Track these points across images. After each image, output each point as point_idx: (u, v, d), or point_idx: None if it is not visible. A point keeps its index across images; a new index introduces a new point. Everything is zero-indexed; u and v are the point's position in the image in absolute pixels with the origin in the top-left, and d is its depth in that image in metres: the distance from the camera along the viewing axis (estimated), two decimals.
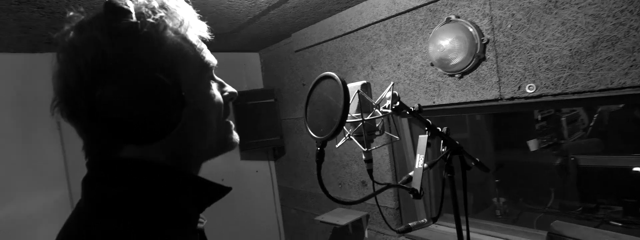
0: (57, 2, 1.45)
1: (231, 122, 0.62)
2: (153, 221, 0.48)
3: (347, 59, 2.27)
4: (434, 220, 0.95)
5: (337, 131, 0.71)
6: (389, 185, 0.94)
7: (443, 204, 0.92)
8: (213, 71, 0.59)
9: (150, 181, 0.50)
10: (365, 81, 0.89)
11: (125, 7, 0.49)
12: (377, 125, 0.89)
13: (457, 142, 1.04)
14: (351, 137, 0.88)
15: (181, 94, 0.50)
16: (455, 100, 1.73)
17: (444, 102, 1.78)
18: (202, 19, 0.58)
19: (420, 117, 0.95)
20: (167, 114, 0.49)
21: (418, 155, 0.97)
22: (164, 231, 0.48)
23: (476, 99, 1.65)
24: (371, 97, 0.89)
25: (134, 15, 0.49)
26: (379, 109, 0.88)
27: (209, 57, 0.58)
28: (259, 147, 2.90)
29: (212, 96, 0.57)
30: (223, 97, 0.60)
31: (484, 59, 1.56)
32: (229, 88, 0.62)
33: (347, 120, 0.86)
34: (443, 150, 1.03)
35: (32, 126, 2.22)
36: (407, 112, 0.93)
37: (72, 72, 0.48)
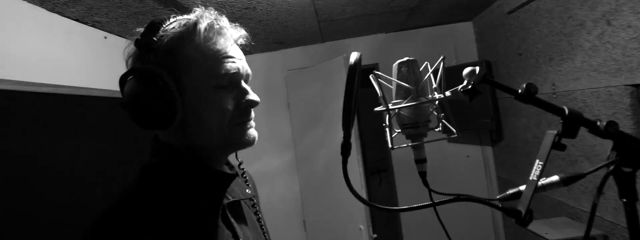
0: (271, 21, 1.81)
1: (247, 125, 0.65)
2: (163, 185, 0.61)
3: (571, 15, 1.61)
4: None
5: (346, 123, 0.56)
6: (458, 198, 0.63)
7: None
8: (237, 78, 0.63)
9: (167, 160, 0.63)
10: (409, 58, 0.62)
11: (157, 25, 0.61)
12: (436, 113, 0.61)
13: None
14: (389, 129, 0.65)
15: (172, 96, 0.57)
16: None
17: None
18: None
19: (540, 103, 0.59)
20: (158, 111, 0.57)
21: (536, 162, 0.61)
22: (170, 193, 0.61)
23: None
24: (418, 78, 0.61)
25: (160, 32, 0.60)
26: (425, 95, 0.60)
27: (223, 70, 0.61)
28: (467, 129, 2.57)
29: (215, 102, 0.60)
30: (240, 103, 0.63)
31: None
32: (250, 96, 0.64)
33: (381, 109, 0.65)
34: (611, 157, 0.60)
35: (272, 106, 2.92)
36: (516, 98, 0.60)
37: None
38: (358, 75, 0.57)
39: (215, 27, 0.63)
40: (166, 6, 1.59)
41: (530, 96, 0.58)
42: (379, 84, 0.61)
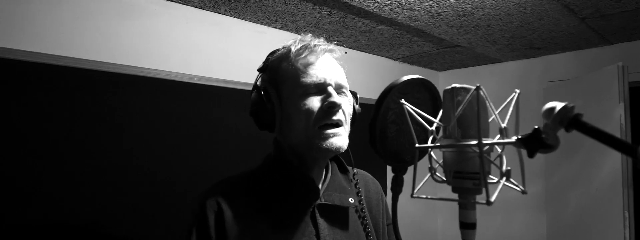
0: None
1: (328, 132, 0.69)
2: (268, 172, 0.76)
3: None
4: None
5: (376, 152, 0.50)
6: None
7: None
8: (323, 85, 0.70)
9: (273, 154, 0.78)
10: (456, 85, 0.39)
11: (271, 53, 0.78)
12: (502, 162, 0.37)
13: None
14: (415, 170, 0.45)
15: (271, 103, 0.71)
16: None
17: None
18: None
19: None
20: (262, 114, 0.73)
21: None
22: (270, 179, 0.74)
23: None
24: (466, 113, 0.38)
25: (273, 56, 0.77)
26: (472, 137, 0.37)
27: (309, 79, 0.70)
28: None
29: (301, 106, 0.69)
30: (323, 105, 0.69)
31: None
32: (331, 98, 0.69)
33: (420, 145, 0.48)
34: None
35: (522, 123, 2.45)
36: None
37: None
38: (388, 99, 0.50)
39: (308, 45, 0.72)
40: (383, 24, 1.71)
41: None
42: (409, 114, 0.47)
